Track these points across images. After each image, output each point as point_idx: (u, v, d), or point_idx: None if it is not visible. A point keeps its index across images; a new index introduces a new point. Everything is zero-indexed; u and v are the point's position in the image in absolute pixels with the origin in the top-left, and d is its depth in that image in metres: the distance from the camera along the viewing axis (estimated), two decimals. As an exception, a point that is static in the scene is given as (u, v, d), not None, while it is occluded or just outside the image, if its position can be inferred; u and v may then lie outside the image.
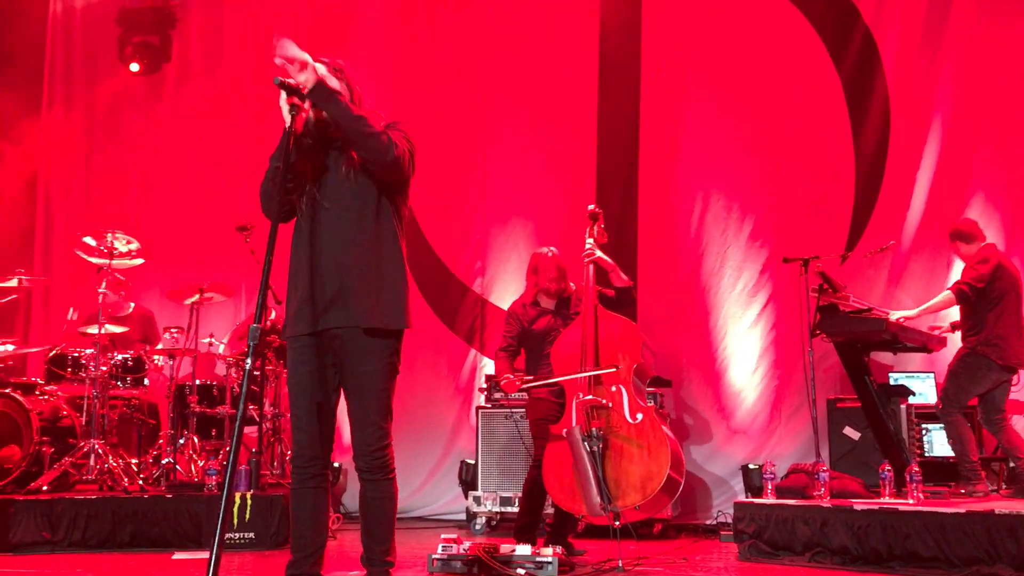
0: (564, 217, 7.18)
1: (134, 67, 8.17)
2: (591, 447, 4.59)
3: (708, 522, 6.60)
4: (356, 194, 3.26)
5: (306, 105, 3.16)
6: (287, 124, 3.12)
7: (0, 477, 5.63)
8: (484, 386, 6.86)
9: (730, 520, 5.52)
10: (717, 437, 6.93)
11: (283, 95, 3.13)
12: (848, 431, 6.27)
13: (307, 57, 3.15)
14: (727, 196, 7.13)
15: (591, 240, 5.10)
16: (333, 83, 3.26)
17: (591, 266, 5.02)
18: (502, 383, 5.06)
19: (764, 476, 5.35)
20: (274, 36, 3.13)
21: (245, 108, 8.05)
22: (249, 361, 2.81)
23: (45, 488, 5.66)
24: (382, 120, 3.29)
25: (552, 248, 5.28)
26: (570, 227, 6.91)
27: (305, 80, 3.13)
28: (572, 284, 5.28)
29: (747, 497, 6.09)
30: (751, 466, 6.49)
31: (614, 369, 4.76)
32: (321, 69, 3.23)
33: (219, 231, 7.69)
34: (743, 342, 7.00)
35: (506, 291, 7.31)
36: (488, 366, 7.29)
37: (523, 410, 5.96)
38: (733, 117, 7.18)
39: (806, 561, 4.82)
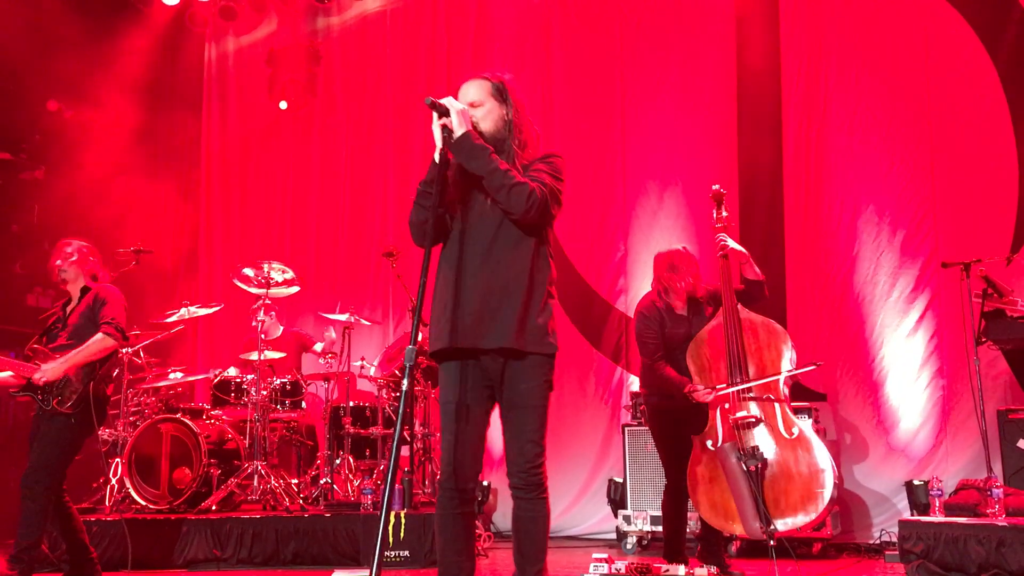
0: (707, 234, 7.05)
1: (283, 104, 8.56)
2: (747, 466, 4.35)
3: (870, 541, 6.31)
4: (500, 218, 3.25)
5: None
6: (438, 146, 3.17)
7: (173, 497, 5.97)
8: (629, 403, 6.79)
9: (894, 539, 5.27)
10: (877, 452, 6.62)
11: (435, 117, 3.17)
12: (1023, 444, 5.88)
13: (461, 106, 3.18)
14: (878, 201, 6.85)
15: (722, 231, 4.82)
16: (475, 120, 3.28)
17: (726, 260, 4.74)
18: (695, 395, 4.62)
19: (931, 493, 5.08)
20: (425, 99, 3.19)
21: (387, 138, 8.33)
22: (405, 383, 2.89)
23: (214, 508, 5.98)
24: (539, 148, 3.31)
25: (686, 245, 5.01)
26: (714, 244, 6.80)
27: (456, 125, 3.15)
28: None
29: (912, 515, 5.80)
30: (916, 482, 6.15)
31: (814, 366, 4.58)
32: (473, 115, 3.25)
33: (367, 258, 7.95)
34: (902, 352, 6.67)
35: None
36: (634, 383, 7.22)
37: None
38: (879, 119, 6.90)
39: (982, 583, 4.55)
